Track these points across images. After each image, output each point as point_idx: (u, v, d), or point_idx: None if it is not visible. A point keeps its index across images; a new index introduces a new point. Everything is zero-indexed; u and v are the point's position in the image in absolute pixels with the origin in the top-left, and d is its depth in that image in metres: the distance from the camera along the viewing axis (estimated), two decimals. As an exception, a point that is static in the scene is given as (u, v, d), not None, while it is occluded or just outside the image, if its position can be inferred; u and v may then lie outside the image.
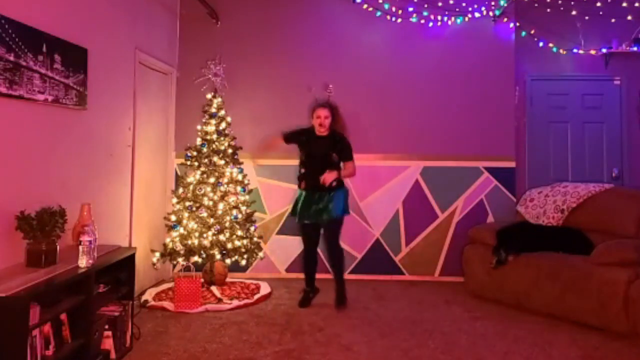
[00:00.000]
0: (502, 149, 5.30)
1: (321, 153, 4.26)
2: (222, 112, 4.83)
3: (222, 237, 4.52)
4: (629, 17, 5.28)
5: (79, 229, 3.06)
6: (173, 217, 4.56)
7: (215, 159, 4.68)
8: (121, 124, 4.16)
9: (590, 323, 3.85)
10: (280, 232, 5.34)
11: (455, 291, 4.82)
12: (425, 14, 5.32)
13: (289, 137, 4.49)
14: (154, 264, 4.53)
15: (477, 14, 5.31)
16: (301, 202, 4.27)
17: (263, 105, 5.39)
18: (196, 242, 4.47)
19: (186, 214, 4.55)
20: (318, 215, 4.21)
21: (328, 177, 4.10)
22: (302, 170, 4.30)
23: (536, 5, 5.35)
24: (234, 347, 3.46)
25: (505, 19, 5.34)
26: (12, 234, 2.76)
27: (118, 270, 3.31)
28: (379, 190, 5.29)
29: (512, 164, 5.31)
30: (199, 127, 4.81)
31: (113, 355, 3.15)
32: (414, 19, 5.32)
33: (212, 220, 4.54)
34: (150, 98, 4.83)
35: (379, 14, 5.32)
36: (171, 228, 4.55)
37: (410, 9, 5.31)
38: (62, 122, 3.31)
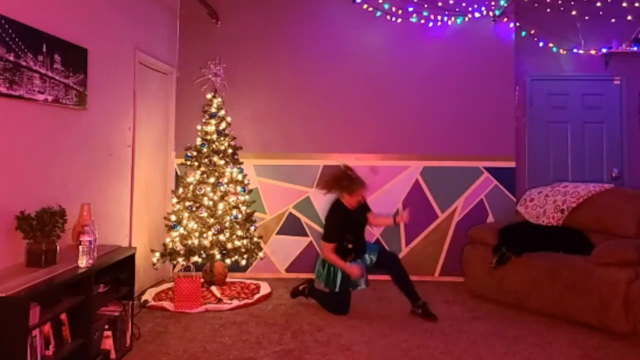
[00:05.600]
0: (502, 149, 5.30)
1: (361, 225, 4.32)
2: (222, 112, 4.84)
3: (222, 237, 4.52)
4: (629, 17, 5.27)
5: (79, 229, 3.07)
6: (173, 217, 4.56)
7: (215, 159, 4.68)
8: (121, 124, 4.16)
9: (590, 323, 3.85)
10: (280, 232, 5.34)
11: (455, 291, 4.82)
12: (425, 14, 5.31)
13: (340, 237, 4.20)
14: (154, 264, 4.53)
15: (477, 14, 5.30)
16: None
17: (263, 105, 5.39)
18: (196, 242, 4.47)
19: (186, 214, 4.55)
20: (369, 264, 4.25)
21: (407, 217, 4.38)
22: (350, 246, 4.17)
23: (536, 5, 5.35)
24: (234, 347, 3.46)
25: (505, 19, 5.34)
26: (12, 234, 2.76)
27: (118, 270, 3.31)
28: (379, 190, 5.28)
29: (512, 164, 5.31)
30: (199, 127, 4.81)
31: (113, 355, 3.16)
32: (414, 19, 5.31)
33: (212, 220, 4.54)
34: (150, 98, 4.83)
35: (379, 14, 5.32)
36: (171, 228, 4.55)
37: (410, 9, 5.30)
38: (62, 122, 3.31)
